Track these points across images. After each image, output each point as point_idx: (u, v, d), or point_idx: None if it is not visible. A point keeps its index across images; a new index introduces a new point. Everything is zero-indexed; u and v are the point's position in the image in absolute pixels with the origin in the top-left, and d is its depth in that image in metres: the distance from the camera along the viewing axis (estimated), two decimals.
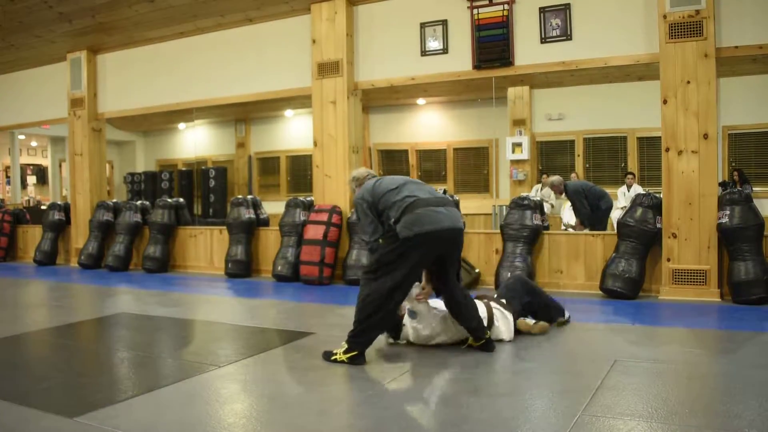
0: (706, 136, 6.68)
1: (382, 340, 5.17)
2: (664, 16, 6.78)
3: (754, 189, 10.47)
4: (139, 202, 10.84)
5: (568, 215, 11.63)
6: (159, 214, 10.14)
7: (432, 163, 14.00)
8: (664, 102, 6.85)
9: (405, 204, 4.37)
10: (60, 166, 17.90)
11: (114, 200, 11.33)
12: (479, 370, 4.17)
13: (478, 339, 4.61)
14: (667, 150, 6.85)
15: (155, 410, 3.46)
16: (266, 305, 7.20)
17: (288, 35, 9.06)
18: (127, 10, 9.00)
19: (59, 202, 12.04)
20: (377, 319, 4.32)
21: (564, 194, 9.75)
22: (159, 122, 15.71)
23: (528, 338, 4.97)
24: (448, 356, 4.43)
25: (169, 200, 10.44)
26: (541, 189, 12.26)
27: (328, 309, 6.67)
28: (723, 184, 8.50)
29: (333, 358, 4.35)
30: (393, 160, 14.44)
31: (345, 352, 4.32)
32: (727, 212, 6.55)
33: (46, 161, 19.30)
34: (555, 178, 9.90)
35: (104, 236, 10.64)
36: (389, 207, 4.42)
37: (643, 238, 6.92)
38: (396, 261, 4.29)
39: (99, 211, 10.68)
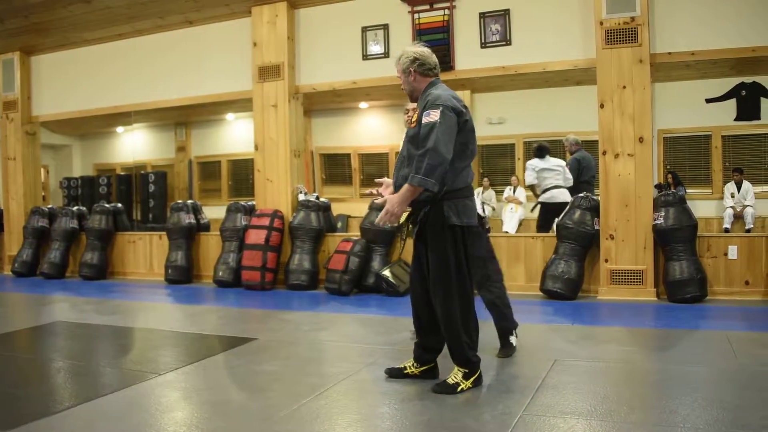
0: (641, 140, 6.86)
1: (321, 337, 5.15)
2: (601, 23, 6.95)
3: (687, 191, 10.78)
4: (75, 208, 10.58)
5: (508, 221, 11.78)
6: (96, 219, 9.91)
7: (374, 166, 14.00)
8: (601, 106, 7.01)
9: (467, 180, 3.74)
10: None
11: (49, 206, 11.02)
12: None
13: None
14: (604, 153, 7.01)
15: (93, 421, 3.38)
16: (207, 311, 7.10)
17: (229, 38, 8.96)
18: (62, 11, 8.78)
19: None
20: (471, 321, 3.76)
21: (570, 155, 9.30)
22: (96, 126, 15.33)
23: None
24: (392, 361, 4.42)
25: (107, 205, 10.22)
26: (483, 192, 12.40)
27: (270, 314, 6.62)
28: (658, 187, 8.71)
29: (460, 389, 3.67)
30: (335, 163, 14.41)
31: (466, 377, 3.72)
32: (662, 214, 6.75)
33: None
34: (571, 137, 9.31)
35: (39, 243, 10.35)
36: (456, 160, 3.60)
37: (581, 240, 7.06)
38: (460, 257, 3.69)
39: (33, 217, 10.39)
